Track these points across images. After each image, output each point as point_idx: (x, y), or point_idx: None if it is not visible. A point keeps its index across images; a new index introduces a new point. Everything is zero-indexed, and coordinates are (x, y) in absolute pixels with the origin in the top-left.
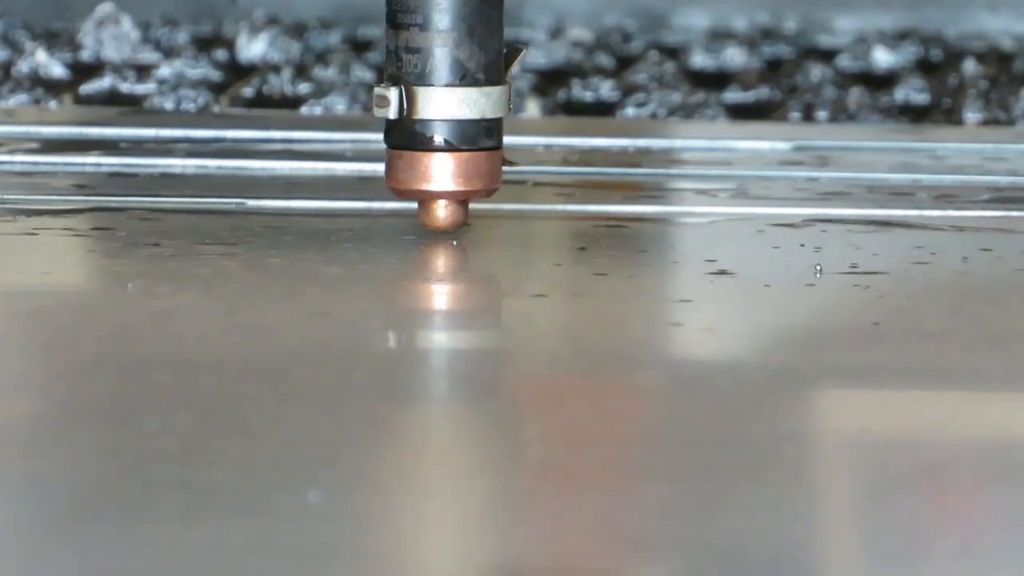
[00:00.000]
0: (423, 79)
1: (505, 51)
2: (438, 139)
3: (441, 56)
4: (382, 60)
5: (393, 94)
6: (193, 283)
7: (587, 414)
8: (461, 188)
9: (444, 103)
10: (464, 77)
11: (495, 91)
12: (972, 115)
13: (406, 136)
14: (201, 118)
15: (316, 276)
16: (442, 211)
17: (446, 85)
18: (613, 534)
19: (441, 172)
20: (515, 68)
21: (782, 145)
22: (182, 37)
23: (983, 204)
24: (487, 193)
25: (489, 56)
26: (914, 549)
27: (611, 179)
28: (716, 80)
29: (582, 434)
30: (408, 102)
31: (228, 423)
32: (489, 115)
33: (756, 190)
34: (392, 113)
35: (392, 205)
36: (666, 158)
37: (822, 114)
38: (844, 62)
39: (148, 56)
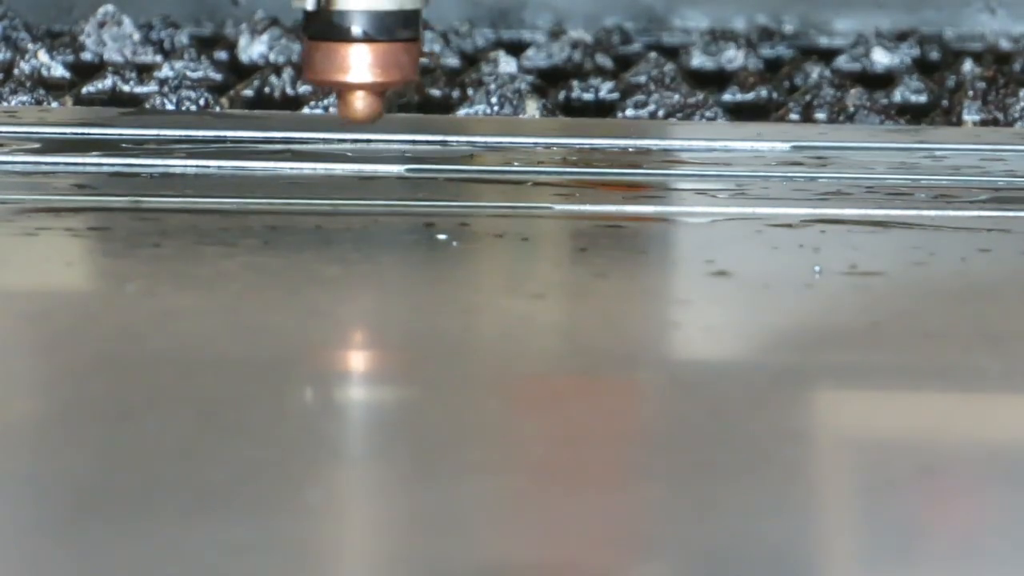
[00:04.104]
0: None
1: None
2: (356, 30)
3: None
4: None
5: None
6: (193, 283)
7: (586, 414)
8: (379, 79)
9: None
10: None
11: None
12: (970, 116)
13: (324, 27)
14: (202, 118)
15: (316, 276)
16: (360, 102)
17: None
18: (612, 534)
19: (359, 63)
20: None
21: (781, 145)
22: (183, 38)
23: (982, 204)
24: (405, 84)
25: None
26: (913, 549)
27: (611, 179)
28: (715, 80)
29: (580, 434)
30: None
31: (228, 423)
32: (408, 6)
33: (755, 190)
34: (310, 4)
35: (392, 205)
36: (666, 158)
37: (821, 115)
38: (843, 63)
39: (149, 57)
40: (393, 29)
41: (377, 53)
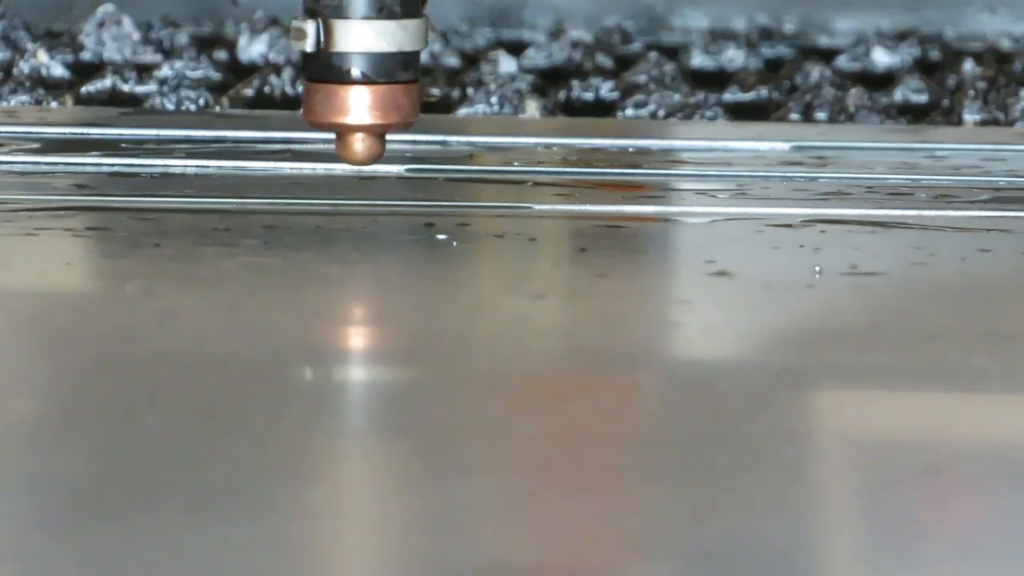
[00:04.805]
0: (340, 11)
1: None
2: (355, 72)
3: None
4: None
5: (310, 27)
6: (193, 283)
7: (585, 414)
8: (378, 121)
9: (361, 36)
10: (381, 10)
11: (412, 24)
12: (971, 116)
13: (323, 69)
14: (202, 118)
15: (316, 276)
16: (359, 144)
17: (363, 18)
18: (611, 534)
19: (358, 105)
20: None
21: (781, 145)
22: (183, 38)
23: (982, 205)
24: (404, 126)
25: None
26: (913, 549)
27: (611, 179)
28: (716, 80)
29: (580, 434)
30: (325, 35)
31: (228, 423)
32: (407, 48)
33: (755, 190)
34: (309, 46)
35: (392, 205)
36: (666, 158)
37: (821, 114)
38: (843, 63)
39: (149, 57)
40: (392, 71)
41: (376, 95)
